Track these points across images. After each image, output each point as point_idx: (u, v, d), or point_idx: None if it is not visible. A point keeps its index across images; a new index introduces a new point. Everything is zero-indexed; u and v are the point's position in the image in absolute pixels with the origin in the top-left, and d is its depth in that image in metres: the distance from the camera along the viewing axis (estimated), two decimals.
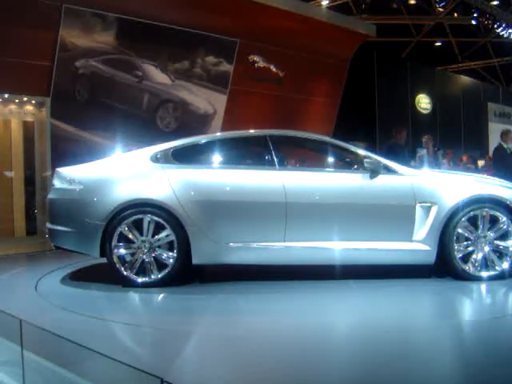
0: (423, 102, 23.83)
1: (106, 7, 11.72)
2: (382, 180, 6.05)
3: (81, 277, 6.72)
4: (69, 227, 6.13)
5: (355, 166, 6.30)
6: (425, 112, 23.92)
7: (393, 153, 9.39)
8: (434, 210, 5.94)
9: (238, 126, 11.78)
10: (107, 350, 3.81)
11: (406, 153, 10.68)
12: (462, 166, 16.95)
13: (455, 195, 5.96)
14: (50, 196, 6.44)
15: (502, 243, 5.95)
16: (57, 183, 6.36)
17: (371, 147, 19.12)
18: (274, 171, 6.12)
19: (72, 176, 6.26)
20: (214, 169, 6.35)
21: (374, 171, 6.04)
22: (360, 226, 6.02)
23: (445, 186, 6.07)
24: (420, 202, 5.97)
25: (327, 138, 6.78)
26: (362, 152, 6.28)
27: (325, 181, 6.12)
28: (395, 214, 6.01)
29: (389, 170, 6.11)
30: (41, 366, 3.86)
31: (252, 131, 6.83)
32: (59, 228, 6.23)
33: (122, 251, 5.93)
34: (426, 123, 23.73)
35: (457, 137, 25.11)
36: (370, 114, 20.84)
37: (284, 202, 5.93)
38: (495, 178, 6.95)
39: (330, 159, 7.01)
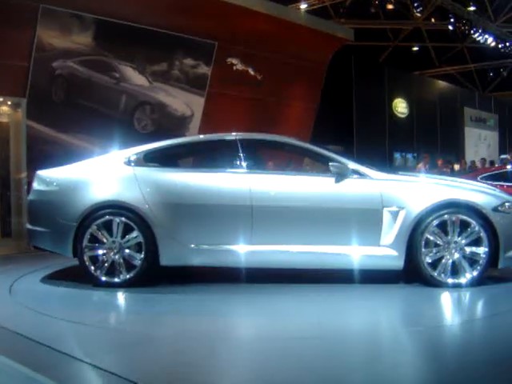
0: (400, 106, 24.01)
1: (83, 8, 11.65)
2: (350, 184, 5.97)
3: (55, 278, 6.72)
4: (45, 228, 6.32)
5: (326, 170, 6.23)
6: (402, 116, 24.11)
7: None
8: (401, 214, 5.84)
9: (215, 129, 11.72)
10: (76, 352, 3.89)
11: None
12: (437, 170, 17.09)
13: (423, 200, 5.87)
14: (30, 197, 6.60)
15: (473, 249, 5.82)
16: (36, 185, 6.53)
17: (349, 150, 19.26)
18: (240, 174, 6.14)
19: (49, 178, 6.46)
20: (182, 172, 6.39)
21: (341, 175, 5.97)
22: (326, 229, 5.95)
23: (413, 190, 5.98)
24: (387, 207, 5.88)
25: (296, 141, 6.65)
26: (329, 155, 6.20)
27: (292, 184, 6.10)
28: (362, 218, 5.92)
29: (357, 174, 6.02)
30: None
31: (222, 134, 6.87)
32: (37, 228, 6.41)
33: (93, 252, 6.07)
34: (403, 127, 23.93)
35: (433, 141, 25.34)
36: (348, 117, 20.95)
37: (250, 205, 5.94)
38: (471, 182, 6.87)
39: (301, 162, 6.99)
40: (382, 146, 22.73)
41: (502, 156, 28.05)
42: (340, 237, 5.93)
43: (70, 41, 11.81)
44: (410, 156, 23.61)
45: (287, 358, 3.86)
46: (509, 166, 13.55)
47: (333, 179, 6.00)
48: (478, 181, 9.93)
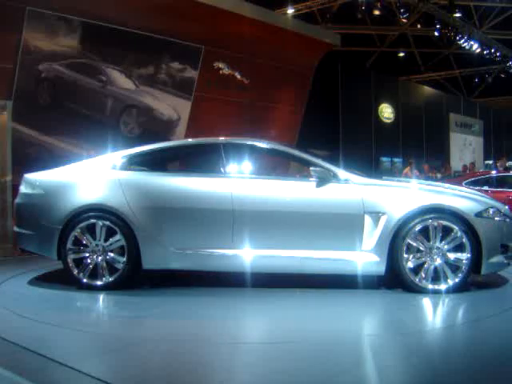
0: (386, 112, 24.11)
1: (70, 11, 11.63)
2: (331, 188, 5.94)
3: (41, 281, 6.71)
4: (31, 230, 6.38)
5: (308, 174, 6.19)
6: (388, 121, 24.21)
7: None
8: (382, 219, 5.80)
9: (202, 133, 11.79)
10: (56, 355, 3.90)
11: None
12: (423, 175, 17.20)
13: (405, 205, 5.82)
14: (17, 200, 6.66)
15: (455, 255, 5.76)
16: (22, 188, 6.59)
17: (335, 155, 19.31)
18: (222, 178, 6.14)
19: (36, 181, 6.51)
20: (164, 175, 6.39)
21: (322, 179, 5.95)
22: (307, 234, 5.93)
23: (395, 195, 5.93)
24: (369, 212, 5.84)
25: (277, 146, 6.61)
26: (310, 159, 6.20)
27: (273, 189, 6.07)
28: (343, 223, 5.88)
29: (339, 179, 5.99)
30: None
31: (205, 139, 6.94)
32: (23, 231, 6.48)
33: (76, 254, 6.11)
34: (389, 132, 24.03)
35: (419, 146, 25.47)
36: (334, 122, 21.00)
37: (231, 209, 5.95)
38: (455, 187, 6.82)
39: (283, 167, 6.95)
40: (368, 150, 22.82)
41: (487, 161, 28.30)
42: (321, 242, 5.90)
43: (57, 44, 11.78)
44: (396, 161, 23.71)
45: (260, 361, 3.93)
46: (493, 172, 13.69)
47: (314, 184, 5.99)
48: (462, 186, 10.00)
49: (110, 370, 3.80)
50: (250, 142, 6.66)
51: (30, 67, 11.38)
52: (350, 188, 5.96)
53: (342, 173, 6.05)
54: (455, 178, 15.49)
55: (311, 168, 5.98)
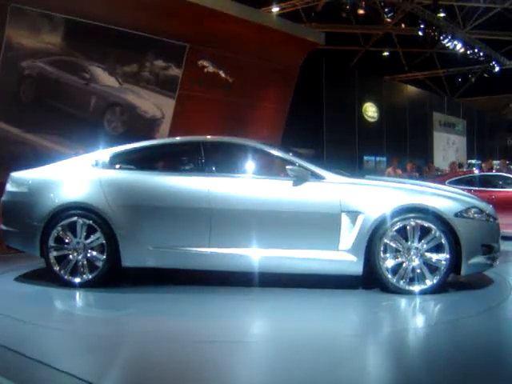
0: (370, 111, 24.20)
1: (53, 8, 11.55)
2: (308, 187, 5.91)
3: (25, 279, 6.77)
4: (16, 228, 6.50)
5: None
6: (371, 120, 24.31)
7: None
8: (360, 219, 5.74)
9: (186, 131, 11.77)
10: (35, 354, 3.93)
11: None
12: (407, 174, 17.25)
13: (382, 204, 5.76)
14: (3, 198, 6.71)
15: (433, 256, 5.69)
16: (9, 186, 6.68)
17: (319, 154, 19.36)
18: (200, 177, 6.14)
19: (21, 179, 6.62)
20: (142, 174, 6.41)
21: (299, 178, 5.91)
22: (284, 233, 5.91)
23: (372, 194, 5.88)
24: (346, 211, 5.79)
25: (258, 144, 6.54)
26: (288, 158, 6.18)
27: (251, 187, 6.05)
28: (320, 223, 5.84)
29: (316, 177, 5.96)
30: None
31: (185, 137, 7.04)
32: (10, 229, 6.58)
33: (58, 252, 6.20)
34: (373, 131, 24.12)
35: (402, 145, 25.59)
36: (318, 121, 21.05)
37: (209, 207, 5.95)
38: (438, 186, 6.75)
39: (262, 165, 6.90)
40: (352, 149, 22.89)
41: (470, 161, 28.50)
42: (298, 241, 5.88)
43: (40, 41, 11.69)
44: (379, 159, 23.79)
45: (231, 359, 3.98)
46: (476, 171, 13.77)
47: (291, 182, 5.95)
48: (445, 185, 10.04)
49: (91, 370, 3.79)
50: (227, 140, 6.70)
51: (12, 64, 11.28)
52: (327, 187, 5.93)
53: (319, 171, 6.03)
54: (438, 176, 15.53)
55: (288, 167, 5.96)
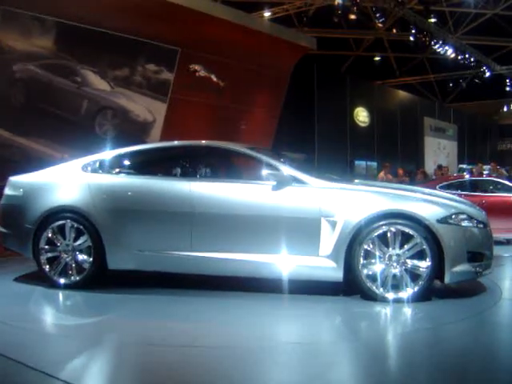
0: (361, 115, 24.24)
1: (45, 11, 11.53)
2: (288, 191, 5.87)
3: (19, 281, 6.94)
4: (13, 230, 6.80)
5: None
6: (363, 125, 24.35)
7: None
8: (339, 224, 5.65)
9: (177, 135, 11.74)
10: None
11: None
12: (397, 180, 17.30)
13: (363, 209, 5.67)
14: (2, 202, 7.00)
15: (415, 263, 5.56)
16: (7, 190, 6.96)
17: (310, 158, 19.37)
18: (183, 182, 6.21)
19: (17, 183, 6.87)
20: (128, 178, 6.55)
21: (280, 182, 5.88)
22: (264, 238, 5.89)
23: (353, 199, 5.80)
24: (326, 216, 5.71)
25: (242, 149, 6.53)
26: (268, 162, 6.13)
27: (232, 192, 6.06)
28: (300, 228, 5.78)
29: (297, 182, 5.92)
30: None
31: (170, 142, 7.25)
32: (7, 231, 6.87)
33: (48, 254, 6.39)
34: (364, 136, 24.16)
35: (393, 150, 25.65)
36: (310, 125, 21.07)
37: (190, 212, 6.02)
38: (424, 190, 6.60)
39: (245, 169, 6.95)
40: (344, 154, 22.92)
41: (461, 165, 28.57)
42: (278, 246, 5.83)
43: (31, 44, 11.66)
44: (371, 164, 23.83)
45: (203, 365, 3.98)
46: (466, 176, 13.81)
47: (270, 187, 5.93)
48: (436, 190, 10.06)
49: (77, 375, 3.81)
50: (210, 144, 6.76)
51: (3, 67, 11.25)
52: (307, 191, 5.90)
53: (301, 176, 6.01)
54: (429, 181, 15.56)
55: (270, 171, 5.95)
